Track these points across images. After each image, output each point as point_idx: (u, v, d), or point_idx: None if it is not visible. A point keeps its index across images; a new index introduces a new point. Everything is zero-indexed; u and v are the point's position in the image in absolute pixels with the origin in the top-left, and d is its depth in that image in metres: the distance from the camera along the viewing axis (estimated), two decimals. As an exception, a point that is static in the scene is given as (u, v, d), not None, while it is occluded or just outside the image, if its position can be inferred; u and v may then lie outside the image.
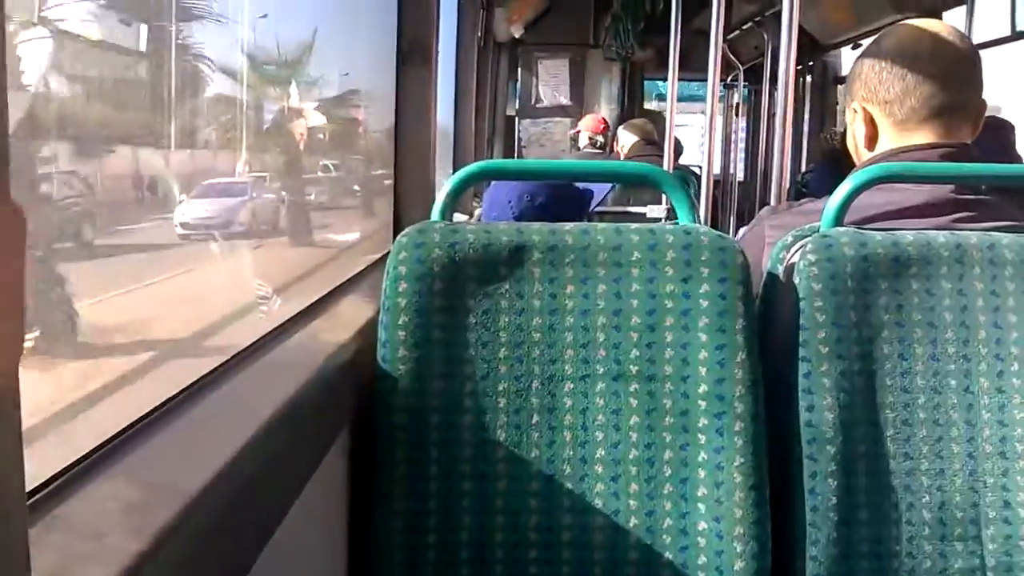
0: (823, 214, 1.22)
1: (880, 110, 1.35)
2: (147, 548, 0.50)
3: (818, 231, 1.20)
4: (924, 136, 1.32)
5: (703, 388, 1.11)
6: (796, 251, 1.18)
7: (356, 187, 2.08)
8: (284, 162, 1.51)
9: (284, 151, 1.49)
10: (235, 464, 0.64)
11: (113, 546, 0.50)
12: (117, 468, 0.61)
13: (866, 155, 1.39)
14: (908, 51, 1.33)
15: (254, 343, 0.97)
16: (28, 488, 0.52)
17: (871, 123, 1.37)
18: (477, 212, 3.00)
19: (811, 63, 5.62)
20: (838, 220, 1.21)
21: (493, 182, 2.48)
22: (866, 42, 1.48)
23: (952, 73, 1.32)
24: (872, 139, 1.37)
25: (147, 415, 0.70)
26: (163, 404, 0.73)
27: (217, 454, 0.64)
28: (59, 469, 0.57)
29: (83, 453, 0.61)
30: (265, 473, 0.71)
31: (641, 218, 3.26)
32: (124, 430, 0.66)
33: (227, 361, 0.89)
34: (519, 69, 6.18)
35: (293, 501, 0.78)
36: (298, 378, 0.87)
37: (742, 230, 1.61)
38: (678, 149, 4.66)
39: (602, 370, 1.13)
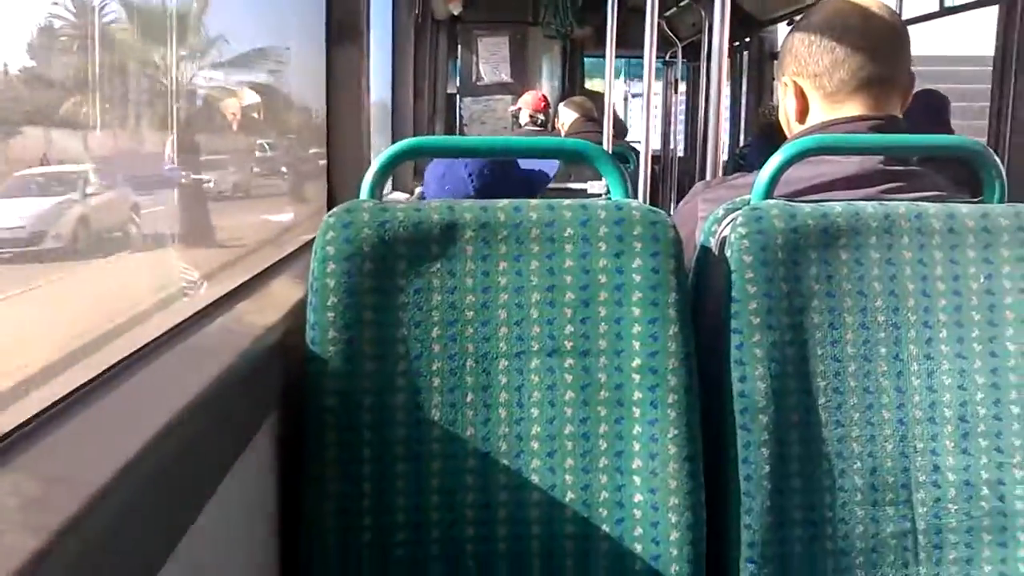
0: (754, 187, 1.22)
1: (810, 83, 1.36)
2: (45, 545, 0.47)
3: (749, 204, 1.20)
4: (853, 108, 1.34)
5: (637, 362, 1.11)
6: (727, 224, 1.19)
7: (283, 168, 1.99)
8: (190, 143, 1.33)
9: (194, 131, 1.35)
10: (146, 453, 0.61)
11: (9, 544, 0.47)
12: (18, 462, 0.58)
13: (797, 128, 1.40)
14: (837, 24, 1.34)
15: (175, 326, 0.94)
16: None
17: (802, 96, 1.38)
18: (419, 191, 2.96)
19: (748, 39, 5.67)
20: (768, 193, 1.21)
21: (436, 160, 2.45)
22: (799, 18, 1.49)
23: (880, 46, 1.33)
24: (803, 112, 1.39)
25: (52, 405, 0.67)
26: (71, 393, 0.70)
27: (127, 444, 0.61)
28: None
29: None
30: (181, 461, 0.69)
31: (582, 194, 3.27)
32: (26, 422, 0.63)
33: (144, 347, 0.86)
34: (459, 47, 6.13)
35: (215, 489, 0.76)
36: (221, 362, 0.85)
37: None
38: (621, 127, 4.67)
39: (537, 346, 1.12)
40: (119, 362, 0.79)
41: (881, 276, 1.19)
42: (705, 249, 1.22)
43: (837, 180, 1.29)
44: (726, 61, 1.91)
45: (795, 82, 1.38)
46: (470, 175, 2.19)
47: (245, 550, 0.96)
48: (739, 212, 1.18)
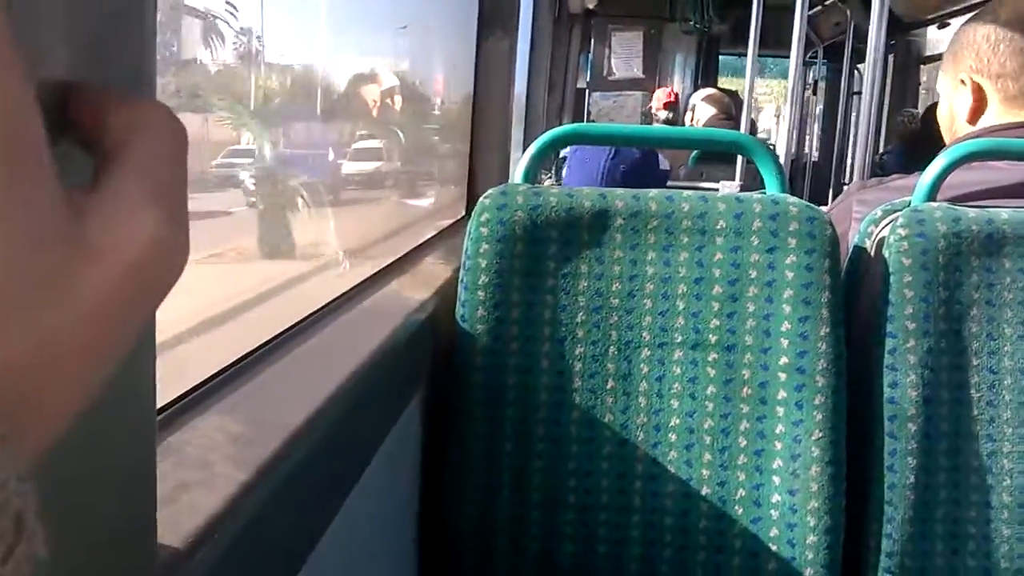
0: (915, 189, 1.19)
1: (991, 83, 1.30)
2: (252, 479, 0.51)
3: (909, 206, 1.17)
4: None
5: (784, 360, 1.10)
6: (886, 225, 1.16)
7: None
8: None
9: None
10: (326, 407, 0.65)
11: (222, 475, 0.51)
12: (221, 403, 0.63)
13: (965, 130, 1.34)
14: None
15: (340, 296, 0.99)
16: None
17: (979, 96, 1.32)
18: (548, 182, 3.00)
19: (893, 42, 5.45)
20: (931, 195, 1.18)
21: (574, 151, 2.49)
22: (954, 21, 1.43)
23: None
24: (976, 113, 1.32)
25: (246, 356, 0.72)
26: (261, 347, 0.75)
27: (310, 396, 0.65)
28: (169, 400, 0.59)
29: (189, 387, 0.63)
30: (352, 417, 0.72)
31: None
32: (226, 368, 0.68)
33: (314, 312, 0.91)
34: (591, 41, 6.10)
35: (376, 448, 0.80)
36: (382, 330, 0.89)
37: (822, 209, 1.58)
38: (753, 127, 4.56)
39: (680, 338, 1.12)
40: (298, 323, 0.84)
41: None
42: (860, 250, 1.19)
43: (1002, 187, 1.24)
44: (879, 64, 1.85)
45: (973, 80, 1.31)
46: (601, 173, 2.23)
47: (394, 512, 1.01)
48: (899, 213, 1.15)
